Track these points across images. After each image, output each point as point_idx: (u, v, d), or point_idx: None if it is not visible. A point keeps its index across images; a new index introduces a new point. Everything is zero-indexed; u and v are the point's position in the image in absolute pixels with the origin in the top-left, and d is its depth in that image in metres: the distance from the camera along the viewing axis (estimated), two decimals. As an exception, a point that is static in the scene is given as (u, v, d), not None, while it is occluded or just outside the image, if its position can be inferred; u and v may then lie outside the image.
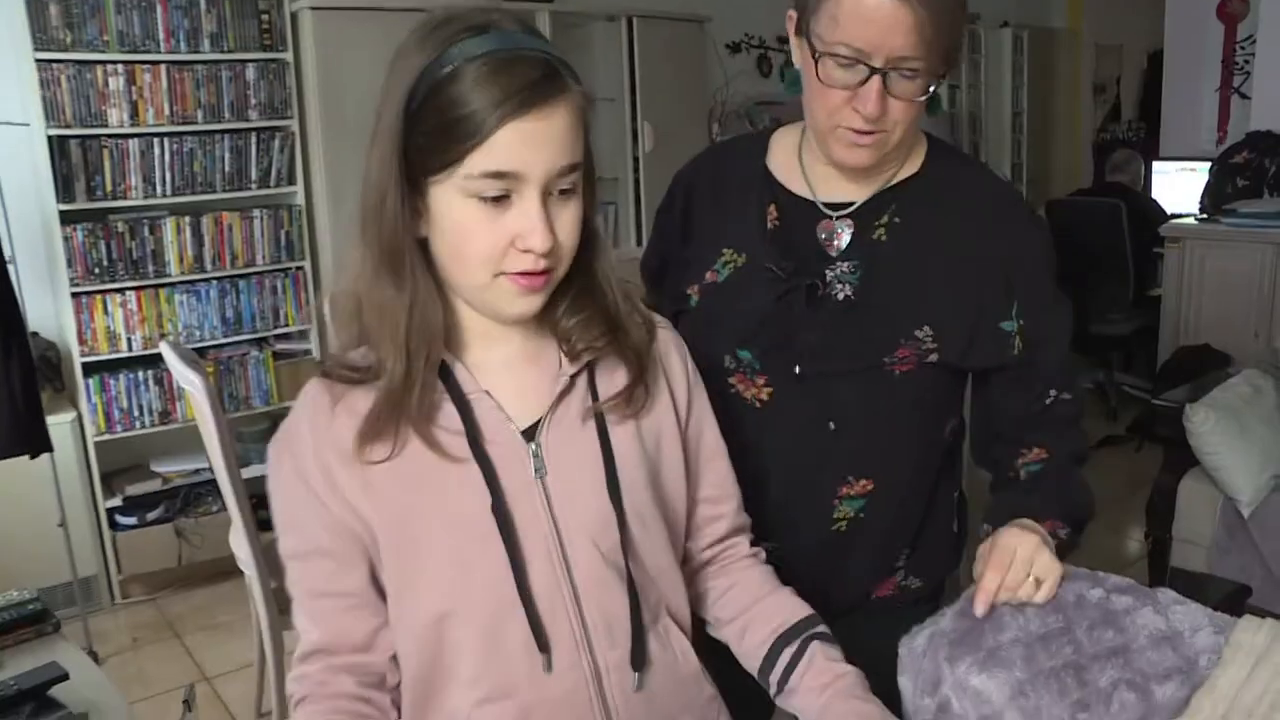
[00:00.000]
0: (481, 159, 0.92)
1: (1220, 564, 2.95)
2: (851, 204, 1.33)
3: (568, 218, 0.99)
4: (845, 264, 1.31)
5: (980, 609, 1.24)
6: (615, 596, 1.07)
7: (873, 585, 1.46)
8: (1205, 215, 4.74)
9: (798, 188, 1.36)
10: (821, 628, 1.20)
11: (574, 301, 1.07)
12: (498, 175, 0.93)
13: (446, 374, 1.03)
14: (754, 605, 1.23)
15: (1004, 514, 1.32)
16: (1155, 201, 5.21)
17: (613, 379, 1.10)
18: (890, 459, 1.38)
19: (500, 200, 0.94)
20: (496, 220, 0.95)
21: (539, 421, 1.06)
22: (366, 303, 1.00)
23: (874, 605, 1.46)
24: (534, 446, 1.05)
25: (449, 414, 1.02)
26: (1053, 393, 1.38)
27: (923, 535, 1.46)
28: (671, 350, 1.18)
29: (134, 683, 3.16)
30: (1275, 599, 2.76)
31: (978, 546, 1.33)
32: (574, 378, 1.07)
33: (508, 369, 1.07)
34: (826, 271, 1.31)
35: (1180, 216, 4.85)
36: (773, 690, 1.19)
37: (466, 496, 1.01)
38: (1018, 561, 1.25)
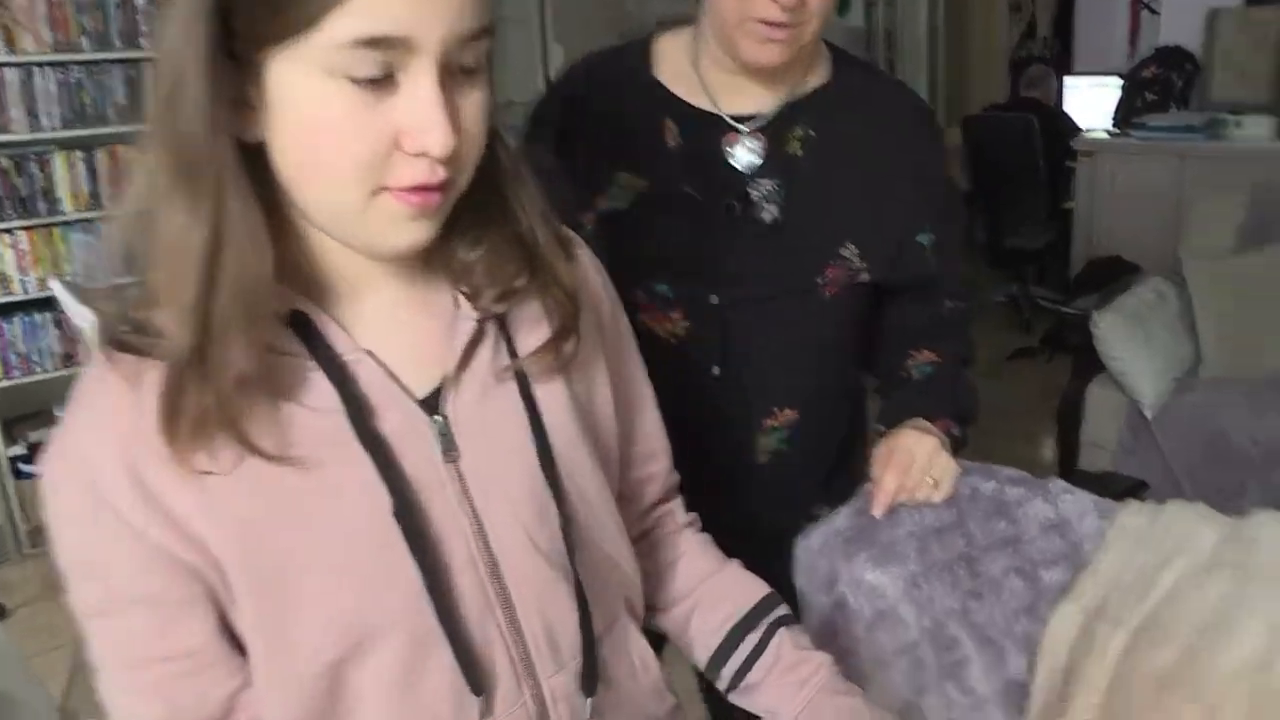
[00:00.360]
0: (351, 20, 0.64)
1: (1124, 465, 3.03)
2: (756, 116, 1.24)
3: (474, 106, 0.71)
4: (768, 182, 1.23)
5: (879, 511, 1.25)
6: (559, 602, 0.84)
7: (792, 521, 1.44)
8: (1117, 130, 4.80)
9: (696, 99, 1.24)
10: (784, 609, 1.03)
11: (474, 227, 0.81)
12: (375, 43, 0.65)
13: (307, 332, 0.75)
14: (699, 586, 1.04)
15: (897, 414, 1.32)
16: (1068, 116, 5.25)
17: (533, 326, 0.84)
18: (816, 386, 1.35)
19: (380, 82, 0.66)
20: (374, 110, 0.67)
21: (439, 388, 0.80)
22: (157, 238, 0.68)
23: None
24: (438, 420, 0.79)
25: (318, 387, 0.74)
26: (948, 302, 1.38)
27: (842, 467, 1.44)
28: (591, 274, 0.94)
29: (43, 632, 3.08)
30: (1173, 495, 2.83)
31: (871, 447, 1.33)
32: (482, 325, 0.82)
33: (391, 321, 0.80)
34: (749, 191, 1.23)
35: (1093, 131, 4.90)
36: (724, 685, 1.01)
37: (356, 499, 0.74)
38: (917, 465, 1.25)
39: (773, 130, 1.24)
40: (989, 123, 5.14)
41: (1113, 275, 3.96)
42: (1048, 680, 1.12)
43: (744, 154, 1.23)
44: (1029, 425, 3.75)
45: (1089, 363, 3.17)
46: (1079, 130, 4.95)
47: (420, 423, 0.78)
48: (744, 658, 0.99)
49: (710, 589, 1.04)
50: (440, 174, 0.70)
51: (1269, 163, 3.95)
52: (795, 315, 1.27)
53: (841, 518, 1.28)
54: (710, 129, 1.23)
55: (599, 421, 0.91)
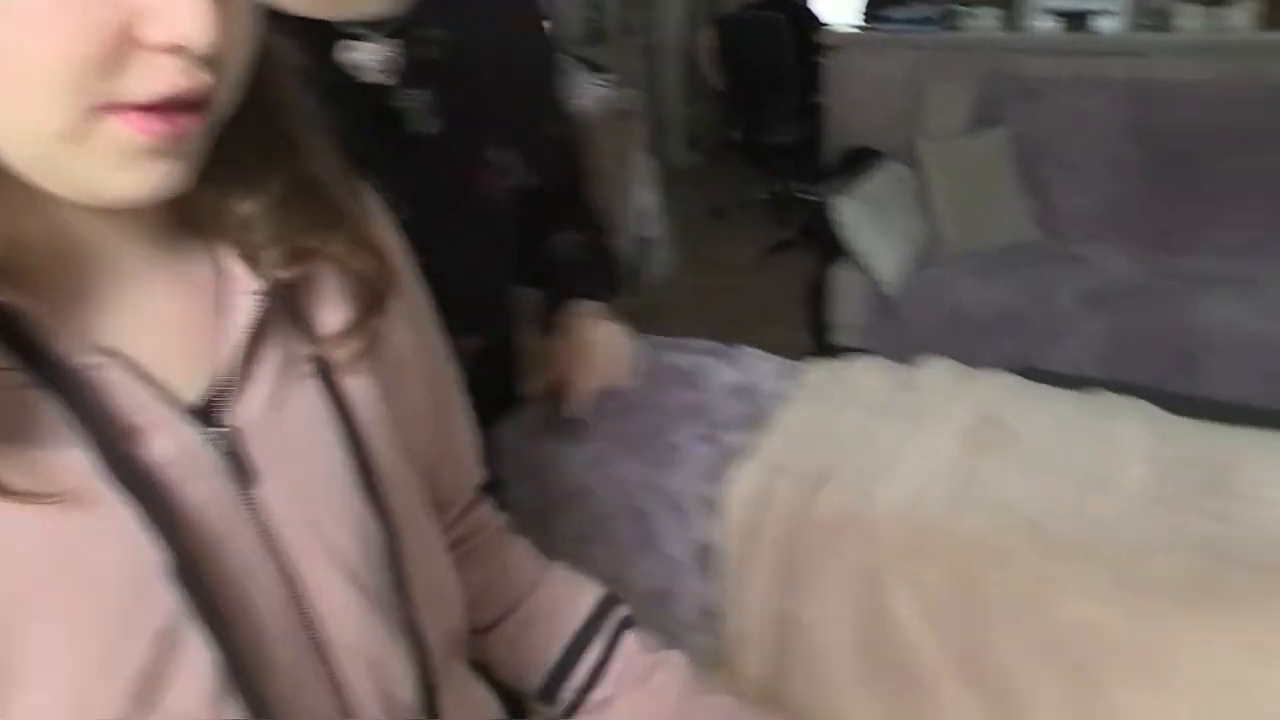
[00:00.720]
0: None
1: (871, 343, 3.16)
2: (383, 22, 1.08)
3: None
4: (417, 92, 1.09)
5: (581, 412, 1.22)
6: (393, 658, 0.66)
7: None
8: (864, 24, 4.91)
9: (306, 8, 1.04)
10: (625, 610, 0.89)
11: (249, 169, 0.60)
12: None
13: (17, 334, 0.52)
14: (526, 598, 0.87)
15: (561, 296, 1.28)
16: (815, 13, 5.34)
17: (334, 300, 0.64)
18: (495, 306, 1.28)
19: None
20: None
21: (216, 391, 0.59)
22: None
23: None
24: (220, 435, 0.57)
25: (43, 411, 0.52)
26: (576, 185, 1.34)
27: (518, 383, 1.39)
28: (387, 229, 0.75)
29: None
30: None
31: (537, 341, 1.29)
32: (266, 300, 0.60)
33: (140, 305, 0.57)
34: (396, 104, 1.09)
35: (839, 26, 5.01)
36: (564, 708, 0.86)
37: (114, 563, 0.52)
38: (603, 355, 1.23)
39: (405, 33, 1.09)
40: (741, 21, 5.17)
41: (861, 164, 4.08)
42: (732, 538, 1.13)
43: (377, 62, 1.07)
44: (789, 313, 3.83)
45: (835, 249, 3.26)
46: (826, 25, 5.05)
47: (197, 443, 0.56)
48: (588, 672, 0.85)
49: (538, 600, 0.88)
50: (201, 78, 0.49)
51: (996, 52, 4.13)
52: (471, 234, 1.18)
53: (533, 409, 1.25)
54: (326, 39, 1.05)
55: (414, 417, 0.72)
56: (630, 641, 0.86)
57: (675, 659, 0.86)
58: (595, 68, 4.25)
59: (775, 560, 1.10)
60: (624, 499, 1.19)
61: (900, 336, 3.14)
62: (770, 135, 4.95)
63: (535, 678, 0.85)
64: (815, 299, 3.32)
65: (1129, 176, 3.60)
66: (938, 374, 1.22)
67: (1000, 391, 1.18)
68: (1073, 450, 1.07)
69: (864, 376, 1.23)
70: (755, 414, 1.22)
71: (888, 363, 1.24)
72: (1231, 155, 3.50)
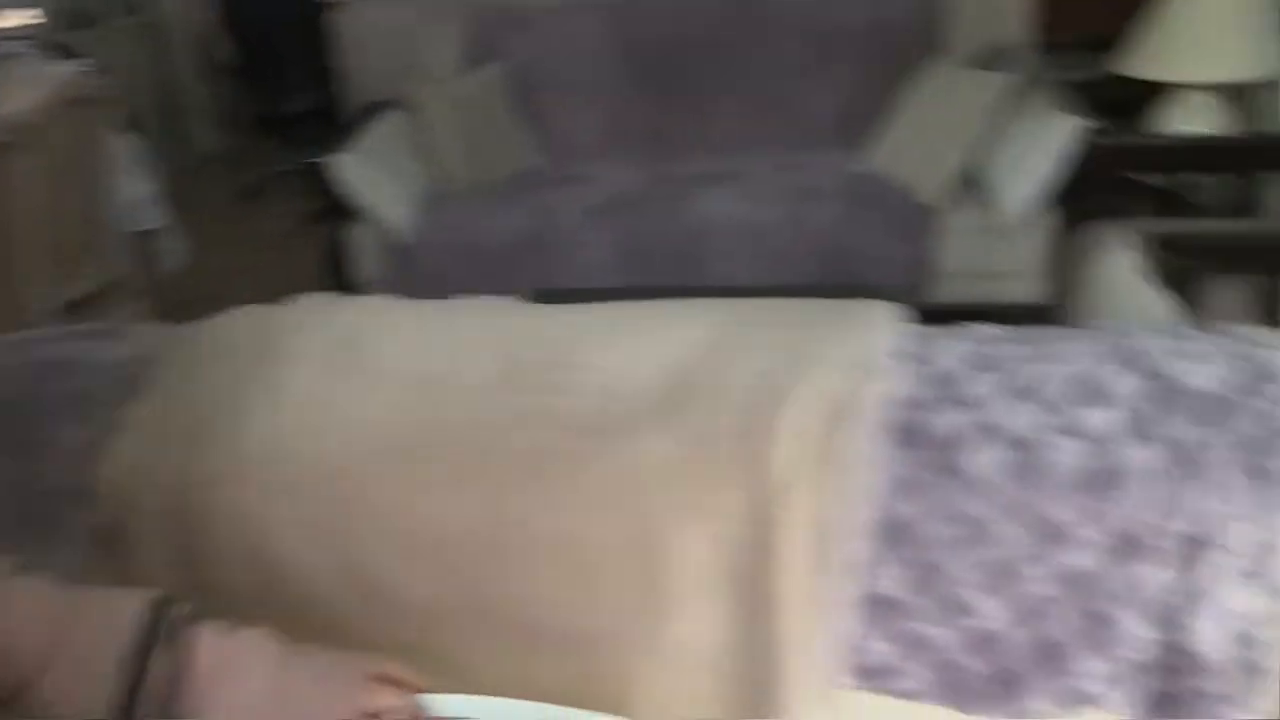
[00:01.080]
0: None
1: (396, 294, 3.17)
2: None
3: None
4: None
5: None
6: None
7: None
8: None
9: None
10: (187, 605, 0.80)
11: None
12: None
13: None
14: (61, 637, 0.75)
15: None
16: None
17: None
18: None
19: None
20: None
21: None
22: None
23: None
24: None
25: None
26: None
27: None
28: None
29: None
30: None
31: None
32: None
33: None
34: None
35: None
36: None
37: None
38: None
39: None
40: (244, -10, 4.94)
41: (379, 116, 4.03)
42: (121, 519, 1.11)
43: None
44: (317, 283, 3.76)
45: (349, 208, 3.24)
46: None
47: None
48: (164, 683, 0.74)
49: (76, 634, 0.76)
50: None
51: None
52: None
53: None
54: None
55: None
56: (204, 636, 0.77)
57: (258, 635, 0.80)
58: (70, 54, 3.89)
59: (170, 533, 1.09)
60: (9, 504, 1.13)
61: (420, 282, 3.18)
62: (291, 104, 4.80)
63: (104, 712, 0.74)
64: (335, 262, 3.29)
65: (622, 93, 3.82)
66: (306, 309, 1.25)
67: (363, 314, 1.24)
68: (424, 357, 1.14)
69: (238, 326, 1.23)
70: (135, 386, 1.19)
71: (263, 308, 1.25)
72: (712, 62, 3.81)
